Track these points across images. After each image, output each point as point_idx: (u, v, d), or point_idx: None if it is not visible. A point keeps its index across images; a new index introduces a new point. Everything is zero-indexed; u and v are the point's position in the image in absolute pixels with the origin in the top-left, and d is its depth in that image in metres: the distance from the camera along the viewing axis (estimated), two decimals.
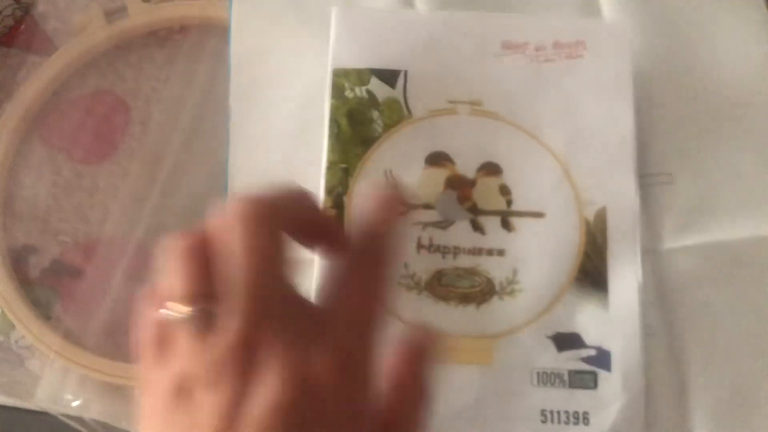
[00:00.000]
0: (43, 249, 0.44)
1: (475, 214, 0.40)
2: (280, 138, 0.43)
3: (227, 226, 0.26)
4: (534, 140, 0.41)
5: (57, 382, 0.41)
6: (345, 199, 0.40)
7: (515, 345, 0.38)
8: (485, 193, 0.40)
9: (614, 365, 0.38)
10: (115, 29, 0.47)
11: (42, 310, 0.43)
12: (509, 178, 0.40)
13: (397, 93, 0.41)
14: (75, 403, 0.41)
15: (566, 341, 0.38)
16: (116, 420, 0.41)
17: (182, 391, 0.25)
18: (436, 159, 0.41)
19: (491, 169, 0.40)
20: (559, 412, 0.37)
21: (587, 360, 0.38)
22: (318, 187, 0.40)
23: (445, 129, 0.41)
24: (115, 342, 0.42)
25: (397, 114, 0.41)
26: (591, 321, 0.38)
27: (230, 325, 0.24)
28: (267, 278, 0.25)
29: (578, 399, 0.37)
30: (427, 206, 0.40)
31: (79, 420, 0.41)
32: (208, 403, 0.24)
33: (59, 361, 0.41)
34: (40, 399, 0.41)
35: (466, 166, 0.40)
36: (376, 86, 0.41)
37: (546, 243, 0.39)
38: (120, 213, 0.44)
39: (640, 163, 0.40)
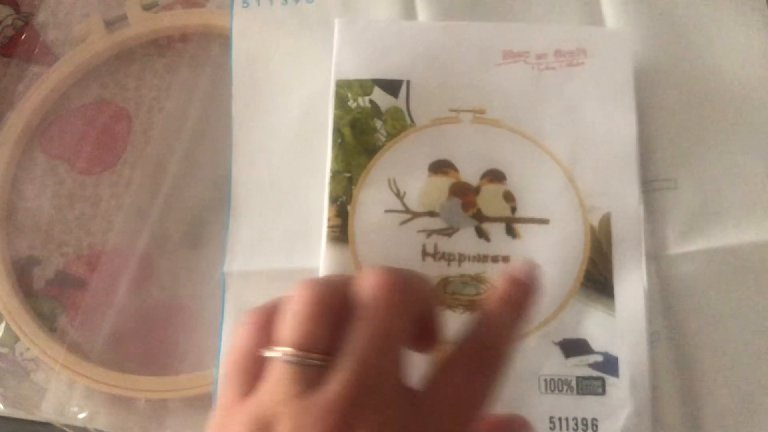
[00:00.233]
0: (47, 260, 0.44)
1: (480, 221, 0.40)
2: (283, 147, 0.43)
3: (369, 295, 0.27)
4: (537, 147, 0.41)
5: (63, 395, 0.41)
6: (349, 208, 0.40)
7: (522, 352, 0.38)
8: (489, 200, 0.40)
9: (622, 371, 0.38)
10: (116, 38, 0.47)
11: (47, 321, 0.43)
12: (513, 184, 0.40)
13: (399, 102, 0.41)
14: (81, 415, 0.41)
15: (573, 347, 0.38)
16: None
17: (263, 428, 0.25)
18: (440, 167, 0.41)
19: (495, 176, 0.40)
20: (567, 419, 0.37)
21: (595, 366, 0.38)
22: (321, 196, 0.40)
23: (449, 137, 0.41)
24: (120, 353, 0.42)
25: (401, 123, 0.41)
26: (597, 327, 0.38)
27: (336, 388, 0.25)
28: (386, 361, 0.26)
29: (586, 405, 0.37)
30: (432, 214, 0.40)
31: None
32: None
33: (65, 373, 0.41)
34: (46, 411, 0.41)
35: (470, 174, 0.41)
36: (379, 96, 0.41)
37: (551, 249, 0.39)
38: (123, 223, 0.44)
39: (643, 168, 0.41)
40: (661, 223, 0.41)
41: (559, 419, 0.37)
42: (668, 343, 0.39)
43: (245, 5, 0.46)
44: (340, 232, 0.39)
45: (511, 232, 0.40)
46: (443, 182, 0.40)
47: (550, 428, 0.37)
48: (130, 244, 0.44)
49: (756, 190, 0.41)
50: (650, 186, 0.41)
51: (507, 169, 0.40)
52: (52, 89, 0.46)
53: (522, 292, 0.30)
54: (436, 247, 0.40)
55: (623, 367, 0.38)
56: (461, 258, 0.39)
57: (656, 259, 0.40)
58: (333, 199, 0.40)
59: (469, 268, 0.39)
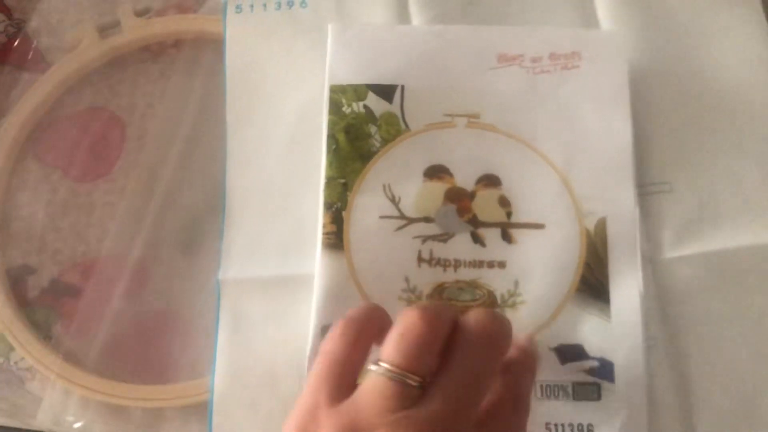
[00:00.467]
0: (41, 269, 0.44)
1: (476, 226, 0.40)
2: (278, 152, 0.43)
3: (477, 335, 0.31)
4: (532, 151, 0.41)
5: (58, 404, 0.41)
6: (344, 214, 0.39)
7: None
8: (485, 205, 0.40)
9: (618, 376, 0.37)
10: (109, 45, 0.47)
11: (41, 330, 0.43)
12: (508, 189, 0.40)
13: (394, 107, 0.41)
14: (77, 425, 0.41)
15: (569, 353, 0.38)
16: None
17: (373, 428, 0.28)
18: (435, 172, 0.40)
19: (490, 180, 0.40)
20: (563, 425, 0.37)
21: (591, 372, 0.38)
22: (316, 203, 0.40)
23: (443, 142, 0.41)
24: (115, 362, 0.42)
25: (395, 128, 0.41)
26: (593, 332, 0.38)
27: (435, 408, 0.28)
28: (478, 395, 0.30)
29: (582, 411, 0.37)
30: (427, 219, 0.40)
31: None
32: None
33: (60, 382, 0.41)
34: (42, 421, 0.41)
35: (465, 179, 0.40)
36: (373, 101, 0.41)
37: (547, 254, 0.39)
38: (117, 231, 0.44)
39: (639, 172, 0.41)
40: (657, 227, 0.40)
41: (556, 425, 0.37)
42: (664, 347, 0.39)
43: (238, 11, 0.45)
44: (336, 238, 0.39)
45: (506, 237, 0.40)
46: (438, 188, 0.40)
47: None
48: (124, 252, 0.44)
49: (752, 193, 0.41)
50: (646, 189, 0.41)
51: (502, 174, 0.40)
52: (45, 96, 0.46)
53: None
54: (431, 253, 0.39)
55: (619, 373, 0.37)
56: (457, 264, 0.39)
57: (652, 263, 0.40)
58: (328, 206, 0.40)
59: (465, 274, 0.39)
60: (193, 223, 0.44)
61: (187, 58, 0.47)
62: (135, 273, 0.43)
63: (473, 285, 0.39)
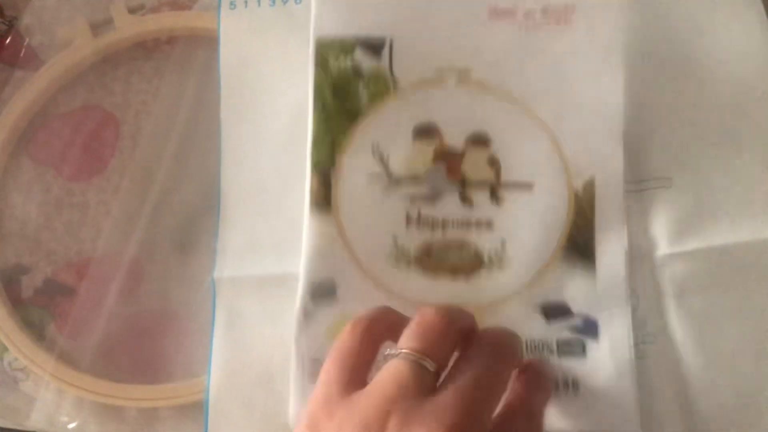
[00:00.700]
0: (35, 268, 0.44)
1: (464, 186, 0.39)
2: (273, 150, 0.42)
3: (496, 339, 0.33)
4: (523, 110, 0.40)
5: (52, 405, 0.41)
6: (332, 173, 0.39)
7: (504, 316, 0.38)
8: (474, 166, 0.40)
9: (602, 334, 0.37)
10: (102, 42, 0.46)
11: (35, 330, 0.42)
12: (498, 149, 0.40)
13: (382, 63, 0.40)
14: (71, 425, 0.40)
15: (554, 311, 0.38)
16: None
17: (376, 420, 0.28)
18: (424, 130, 0.40)
19: (480, 139, 0.40)
20: None
21: (575, 329, 0.38)
22: None
23: (433, 99, 0.40)
24: (110, 361, 0.42)
25: (383, 85, 0.40)
26: (579, 290, 0.38)
27: (446, 403, 0.28)
28: (490, 397, 0.30)
29: (567, 368, 0.37)
30: (416, 179, 0.39)
31: None
32: None
33: (54, 382, 0.40)
34: (36, 422, 0.41)
35: (455, 136, 0.40)
36: (361, 57, 0.40)
37: (534, 214, 0.39)
38: (112, 230, 0.44)
39: (637, 167, 0.40)
40: (656, 223, 0.40)
41: None
42: (662, 343, 0.39)
43: (232, 7, 0.45)
44: (323, 198, 0.39)
45: (495, 197, 0.39)
46: (428, 147, 0.40)
47: None
48: (119, 251, 0.43)
49: (751, 188, 0.40)
50: (645, 185, 0.40)
51: (492, 132, 0.40)
52: (38, 94, 0.46)
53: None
54: (419, 212, 0.39)
55: (603, 331, 0.37)
56: (444, 224, 0.39)
57: (650, 258, 0.40)
58: (316, 165, 0.39)
59: (453, 234, 0.39)
60: (188, 221, 0.44)
61: (181, 55, 0.47)
62: (129, 272, 0.43)
63: (461, 245, 0.39)
